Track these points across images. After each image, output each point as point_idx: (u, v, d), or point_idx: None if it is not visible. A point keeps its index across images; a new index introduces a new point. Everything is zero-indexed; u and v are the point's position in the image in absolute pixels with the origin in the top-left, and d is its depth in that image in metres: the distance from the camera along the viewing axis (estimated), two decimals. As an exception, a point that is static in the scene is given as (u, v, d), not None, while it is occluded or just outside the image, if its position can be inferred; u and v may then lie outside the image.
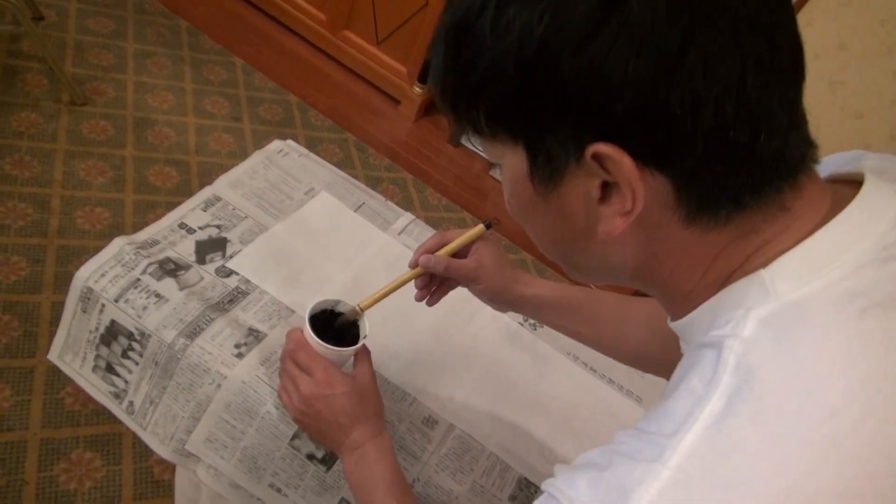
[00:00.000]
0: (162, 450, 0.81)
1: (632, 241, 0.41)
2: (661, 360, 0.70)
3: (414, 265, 0.72)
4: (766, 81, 0.35)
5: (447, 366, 0.92)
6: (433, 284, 0.76)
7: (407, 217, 1.09)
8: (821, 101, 1.83)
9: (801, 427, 0.32)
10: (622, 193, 0.37)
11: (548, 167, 0.39)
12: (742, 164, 0.36)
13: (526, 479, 0.83)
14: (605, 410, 0.95)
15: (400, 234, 1.05)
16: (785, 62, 0.36)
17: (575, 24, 0.34)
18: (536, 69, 0.35)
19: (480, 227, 0.72)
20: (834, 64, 1.78)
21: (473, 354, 0.94)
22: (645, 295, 0.53)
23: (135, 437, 0.82)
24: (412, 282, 0.73)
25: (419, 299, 0.76)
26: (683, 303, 0.43)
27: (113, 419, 0.83)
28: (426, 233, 1.08)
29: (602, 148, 0.35)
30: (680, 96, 0.34)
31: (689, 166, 0.36)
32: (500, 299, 0.75)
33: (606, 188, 0.38)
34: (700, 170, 0.36)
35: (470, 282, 0.74)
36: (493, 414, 0.88)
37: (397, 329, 0.92)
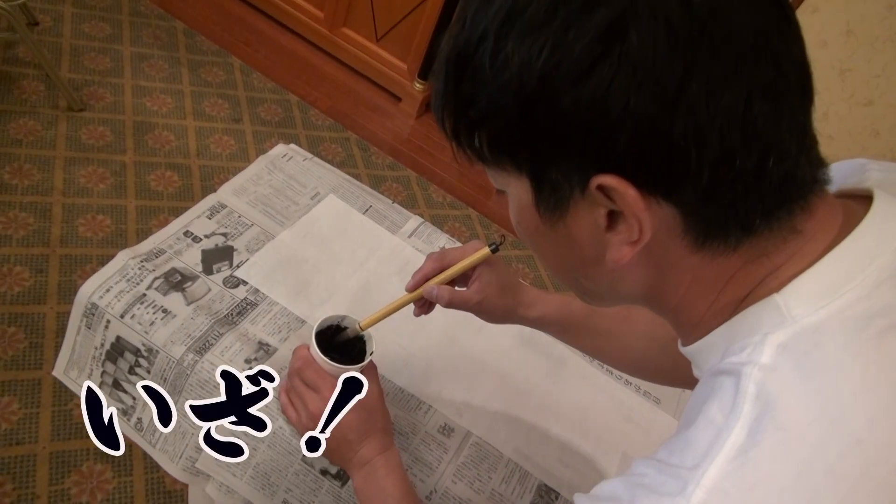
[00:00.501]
0: (172, 468, 0.79)
1: (640, 268, 0.40)
2: (661, 367, 0.71)
3: (412, 290, 0.70)
4: (773, 107, 0.34)
5: (462, 372, 0.90)
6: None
7: (416, 220, 1.07)
8: (829, 88, 1.81)
9: (827, 458, 0.32)
10: (629, 223, 0.36)
11: (553, 197, 0.39)
12: (750, 190, 0.35)
13: (546, 485, 0.81)
14: (622, 412, 0.94)
15: (409, 236, 1.03)
16: (792, 86, 0.35)
17: (574, 57, 0.33)
18: (537, 103, 0.35)
19: (485, 251, 0.67)
20: (842, 51, 1.75)
21: (488, 359, 0.93)
22: None
23: (145, 448, 0.81)
24: None
25: (418, 315, 0.75)
26: (695, 328, 0.43)
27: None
28: (436, 235, 1.06)
29: (606, 180, 0.35)
30: (683, 127, 0.33)
31: (695, 194, 0.35)
32: (503, 323, 0.75)
33: (613, 216, 0.38)
34: (707, 197, 0.35)
35: (473, 312, 0.72)
36: (509, 419, 0.87)
37: (410, 336, 0.90)
